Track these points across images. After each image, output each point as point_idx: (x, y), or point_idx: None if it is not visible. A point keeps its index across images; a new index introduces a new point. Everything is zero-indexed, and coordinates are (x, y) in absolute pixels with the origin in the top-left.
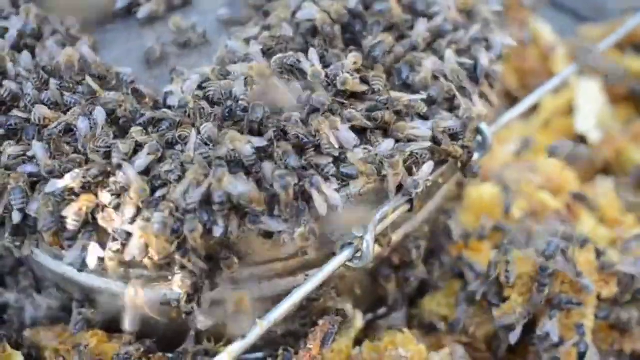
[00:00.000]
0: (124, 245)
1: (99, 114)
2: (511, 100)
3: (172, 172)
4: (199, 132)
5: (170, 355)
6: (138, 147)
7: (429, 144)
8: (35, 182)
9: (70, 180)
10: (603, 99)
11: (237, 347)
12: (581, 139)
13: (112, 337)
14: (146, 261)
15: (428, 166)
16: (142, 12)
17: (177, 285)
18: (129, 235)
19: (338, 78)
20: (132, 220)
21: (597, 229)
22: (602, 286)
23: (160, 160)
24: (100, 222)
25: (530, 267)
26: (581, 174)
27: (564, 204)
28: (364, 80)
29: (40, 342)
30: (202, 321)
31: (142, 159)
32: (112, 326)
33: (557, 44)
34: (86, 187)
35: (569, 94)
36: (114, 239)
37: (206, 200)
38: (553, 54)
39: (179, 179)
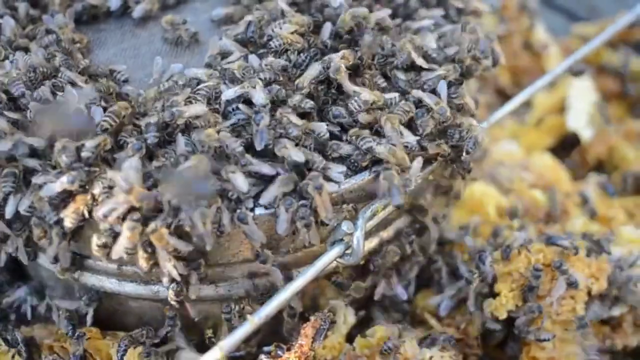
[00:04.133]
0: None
1: (97, 113)
2: (504, 98)
3: (163, 168)
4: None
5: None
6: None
7: (417, 137)
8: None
9: (67, 183)
10: (595, 97)
11: (228, 342)
12: (573, 137)
13: (105, 334)
14: (140, 259)
15: (418, 162)
16: (138, 11)
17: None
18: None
19: (332, 64)
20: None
21: (588, 225)
22: (592, 282)
23: (151, 158)
24: (95, 217)
25: (521, 264)
26: (573, 171)
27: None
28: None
29: (36, 339)
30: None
31: (134, 161)
32: (106, 323)
33: (550, 43)
34: (83, 187)
35: (562, 92)
36: (101, 234)
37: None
38: (546, 53)
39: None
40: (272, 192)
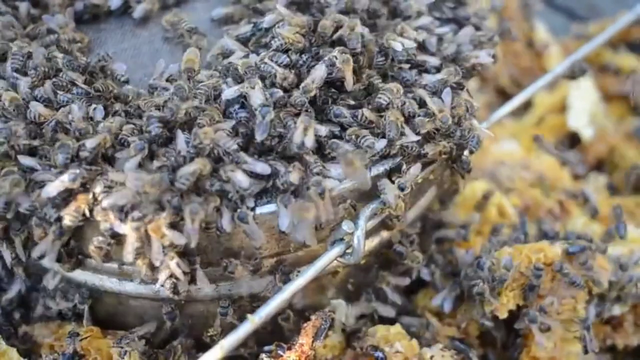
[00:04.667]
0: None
1: (98, 112)
2: (505, 98)
3: (164, 168)
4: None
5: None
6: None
7: (418, 137)
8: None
9: (69, 181)
10: (596, 97)
11: (229, 341)
12: (574, 136)
13: (106, 333)
14: (139, 262)
15: (415, 168)
16: (138, 11)
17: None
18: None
19: (339, 56)
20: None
21: (589, 225)
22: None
23: (152, 157)
24: (97, 217)
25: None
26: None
27: (557, 200)
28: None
29: (36, 338)
30: None
31: (132, 160)
32: (106, 323)
33: (550, 42)
34: (84, 186)
35: (563, 91)
36: (101, 234)
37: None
38: (547, 52)
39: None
40: (297, 173)
